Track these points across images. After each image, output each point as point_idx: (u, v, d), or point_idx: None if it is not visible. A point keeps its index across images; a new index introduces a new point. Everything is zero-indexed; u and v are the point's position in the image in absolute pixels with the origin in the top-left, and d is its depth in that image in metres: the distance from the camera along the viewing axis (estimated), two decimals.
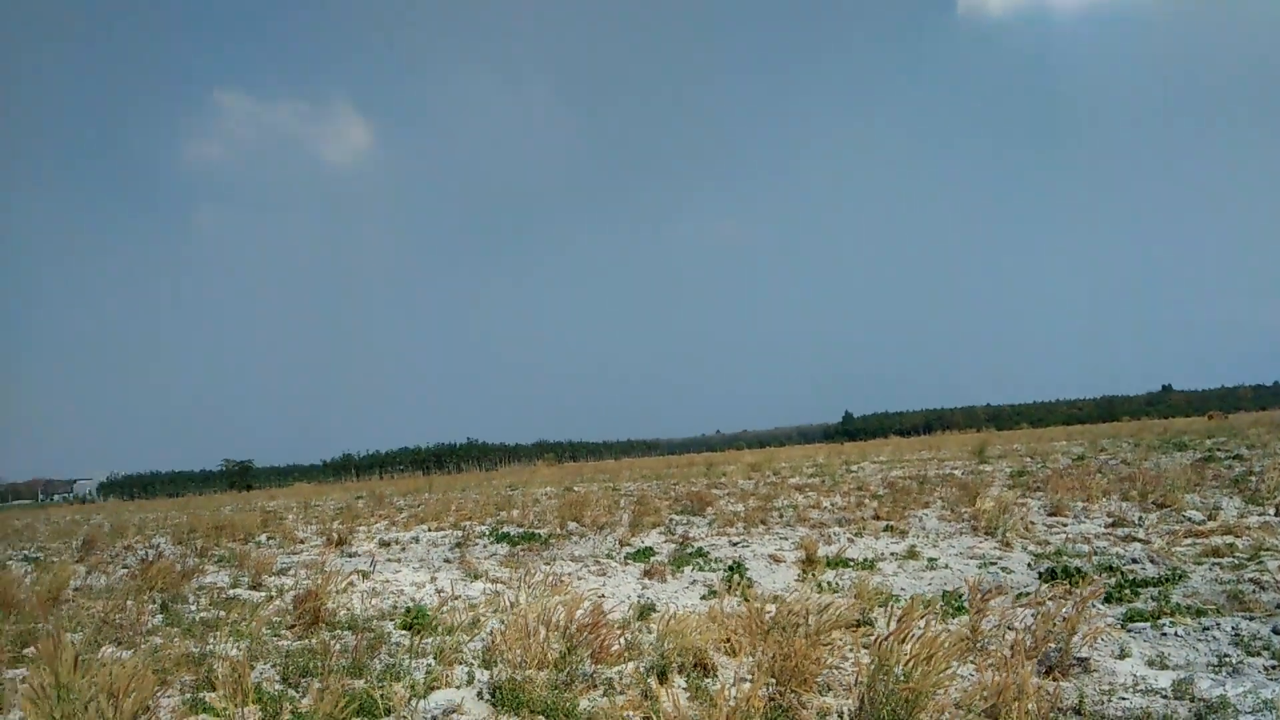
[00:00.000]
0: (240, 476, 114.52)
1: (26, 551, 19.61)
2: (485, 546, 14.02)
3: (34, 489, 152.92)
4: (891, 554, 10.64)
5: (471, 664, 6.12)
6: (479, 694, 5.47)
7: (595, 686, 5.62)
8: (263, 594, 10.34)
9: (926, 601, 7.38)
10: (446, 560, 12.70)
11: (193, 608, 9.49)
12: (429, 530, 17.29)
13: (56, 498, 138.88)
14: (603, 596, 8.94)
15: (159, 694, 4.75)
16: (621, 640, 6.50)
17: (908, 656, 4.41)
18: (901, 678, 4.34)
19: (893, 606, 7.18)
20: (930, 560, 10.07)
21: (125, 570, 13.69)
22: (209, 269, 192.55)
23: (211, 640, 7.36)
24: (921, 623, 4.79)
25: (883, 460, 32.16)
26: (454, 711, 5.19)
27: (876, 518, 13.98)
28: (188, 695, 5.62)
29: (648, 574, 10.08)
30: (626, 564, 11.22)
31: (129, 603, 9.37)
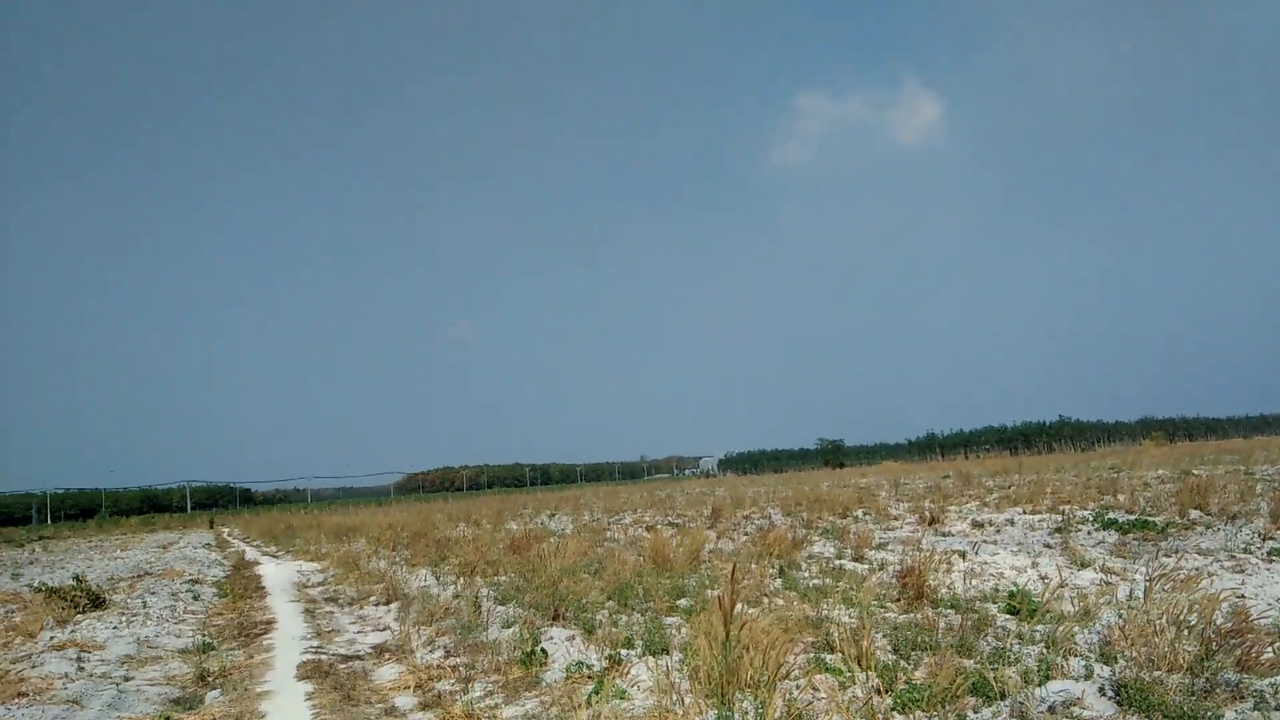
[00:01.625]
0: (833, 454, 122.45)
1: (670, 518, 23.53)
2: (1089, 533, 12.96)
3: (670, 465, 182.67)
4: None
5: (1088, 656, 5.74)
6: (1100, 689, 5.12)
7: (1242, 698, 4.87)
8: (865, 566, 10.96)
9: None
10: (1046, 545, 12.05)
11: (805, 574, 10.47)
12: (1023, 513, 16.55)
13: (687, 472, 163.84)
14: (1242, 597, 7.67)
15: (788, 650, 5.38)
16: (1274, 648, 5.52)
17: None
18: None
19: None
20: None
21: (746, 537, 15.63)
22: (790, 264, 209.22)
23: (824, 606, 8.05)
24: None
25: None
26: (1073, 704, 4.93)
27: None
28: (810, 655, 6.25)
29: None
30: (1270, 561, 9.45)
31: (752, 566, 10.70)
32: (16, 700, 6.91)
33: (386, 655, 8.54)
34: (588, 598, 9.36)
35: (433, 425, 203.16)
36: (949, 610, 7.68)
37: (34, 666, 8.31)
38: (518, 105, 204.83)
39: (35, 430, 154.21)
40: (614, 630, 7.52)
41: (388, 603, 11.83)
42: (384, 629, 10.16)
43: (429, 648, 8.38)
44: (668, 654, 6.57)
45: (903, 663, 5.90)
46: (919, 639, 6.41)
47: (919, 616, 7.34)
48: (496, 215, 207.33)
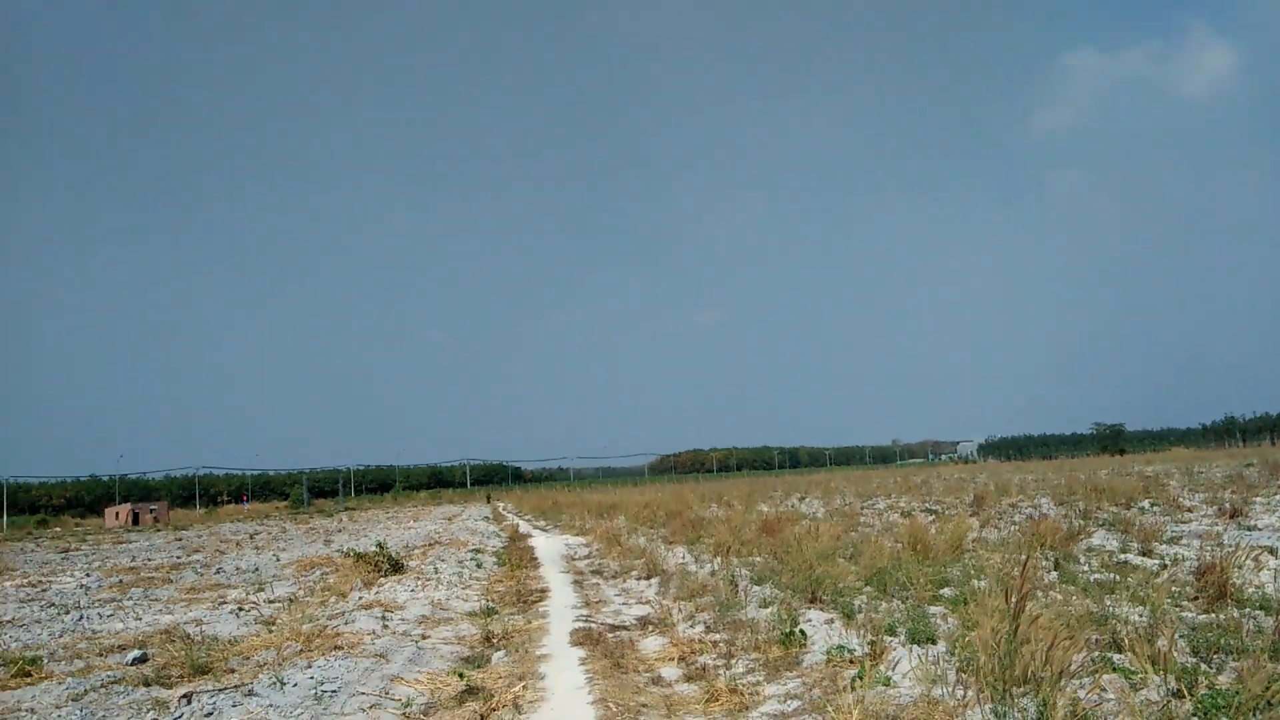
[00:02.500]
0: (1112, 439, 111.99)
1: (927, 504, 22.62)
2: None
3: (924, 449, 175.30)
4: None
5: None
6: None
7: None
8: (1155, 561, 9.98)
9: None
10: None
11: (1084, 568, 9.70)
12: None
13: (944, 457, 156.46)
14: None
15: (1073, 647, 5.03)
16: None
17: None
18: None
19: None
20: None
21: (1014, 526, 14.71)
22: (1061, 234, 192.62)
23: (1109, 602, 7.43)
24: None
25: None
26: None
27: None
28: (1095, 654, 5.80)
29: None
30: None
31: (1022, 557, 10.06)
32: (334, 652, 7.93)
33: (650, 627, 8.93)
34: (844, 582, 9.25)
35: (684, 409, 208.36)
36: (1258, 611, 6.84)
37: (347, 623, 9.49)
38: (759, 87, 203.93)
39: (342, 413, 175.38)
40: (874, 616, 7.38)
41: (648, 577, 12.34)
42: (646, 602, 10.62)
43: (689, 622, 8.66)
44: (933, 643, 6.36)
45: (1204, 666, 5.34)
46: (1222, 641, 5.76)
47: (1221, 617, 6.59)
48: (745, 200, 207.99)
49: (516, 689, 6.52)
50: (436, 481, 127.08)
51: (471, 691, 6.50)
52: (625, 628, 9.06)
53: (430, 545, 20.76)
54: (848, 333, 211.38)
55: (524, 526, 30.11)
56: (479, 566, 15.51)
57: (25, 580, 18.03)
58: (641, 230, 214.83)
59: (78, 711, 6.16)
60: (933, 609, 7.74)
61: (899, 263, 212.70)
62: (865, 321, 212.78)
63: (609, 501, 35.52)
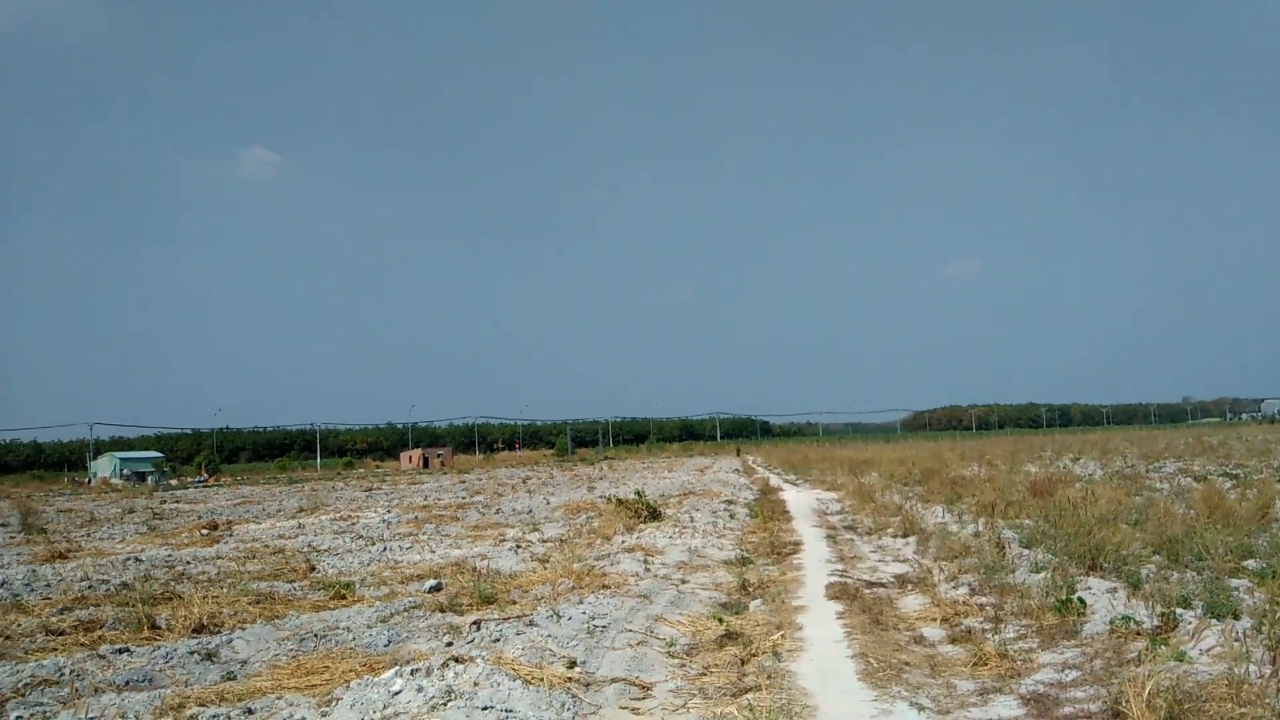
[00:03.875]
0: None
1: (1226, 468, 20.19)
2: None
3: (1221, 407, 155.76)
4: None
5: None
6: None
7: None
8: None
9: None
10: None
11: None
12: None
13: (1244, 416, 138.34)
14: None
15: None
16: None
17: None
18: None
19: None
20: None
21: None
22: None
23: None
24: None
25: None
26: None
27: None
28: None
29: None
30: None
31: None
32: (602, 590, 8.45)
33: (909, 586, 8.74)
34: (1128, 549, 8.51)
35: (939, 363, 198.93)
36: None
37: (612, 564, 10.07)
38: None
39: (601, 368, 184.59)
40: (1164, 586, 6.76)
41: (905, 535, 12.04)
42: (903, 560, 10.38)
43: (951, 584, 8.38)
44: (1236, 619, 5.73)
45: None
46: None
47: None
48: (995, 147, 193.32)
49: (775, 637, 6.65)
50: (687, 434, 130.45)
51: (731, 636, 6.71)
52: (883, 585, 8.93)
53: (685, 495, 21.44)
54: (1125, 279, 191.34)
55: (774, 480, 30.28)
56: (732, 517, 15.84)
57: (337, 515, 20.74)
58: (882, 180, 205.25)
59: (386, 632, 7.04)
60: (1234, 581, 6.97)
61: (1169, 203, 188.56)
62: (1144, 266, 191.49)
63: (860, 457, 34.81)
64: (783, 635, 6.77)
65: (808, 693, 5.35)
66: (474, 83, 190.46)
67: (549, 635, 6.52)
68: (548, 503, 21.63)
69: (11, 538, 17.41)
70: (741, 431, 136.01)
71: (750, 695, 5.21)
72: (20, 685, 5.69)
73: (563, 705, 4.89)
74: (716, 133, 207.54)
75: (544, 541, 13.06)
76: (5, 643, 7.01)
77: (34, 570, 11.50)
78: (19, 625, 7.68)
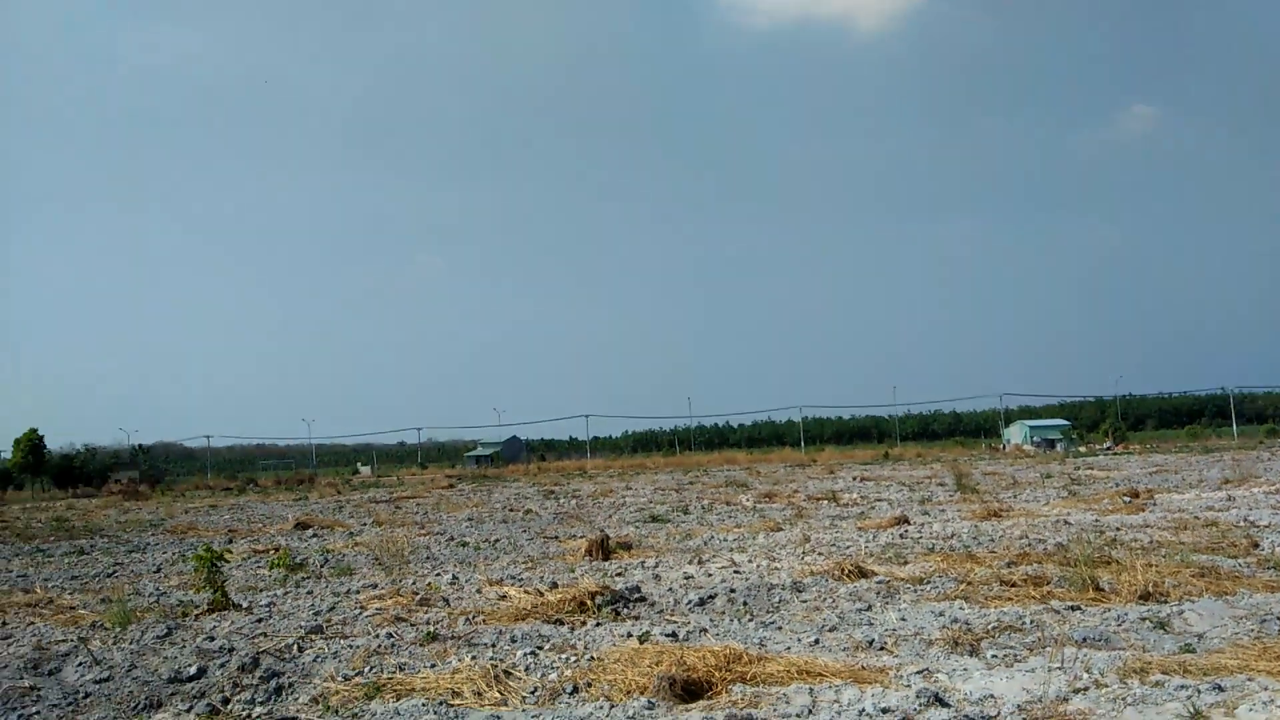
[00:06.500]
0: None
1: None
2: None
3: None
4: None
5: None
6: None
7: None
8: None
9: None
10: None
11: None
12: None
13: None
14: None
15: None
16: None
17: None
18: None
19: None
20: None
21: None
22: None
23: None
24: None
25: None
26: None
27: None
28: None
29: None
30: None
31: None
32: None
33: None
34: None
35: None
36: None
37: None
38: None
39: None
40: None
41: None
42: None
43: None
44: None
45: None
46: None
47: None
48: None
49: None
50: None
51: None
52: None
53: None
54: None
55: None
56: None
57: (1271, 487, 17.98)
58: None
59: None
60: None
61: None
62: None
63: None
64: None
65: None
66: None
67: None
68: None
69: (950, 495, 20.00)
70: None
71: None
72: (989, 627, 6.51)
73: None
74: None
75: None
76: (969, 588, 8.08)
77: (976, 526, 12.99)
78: (975, 573, 8.74)
